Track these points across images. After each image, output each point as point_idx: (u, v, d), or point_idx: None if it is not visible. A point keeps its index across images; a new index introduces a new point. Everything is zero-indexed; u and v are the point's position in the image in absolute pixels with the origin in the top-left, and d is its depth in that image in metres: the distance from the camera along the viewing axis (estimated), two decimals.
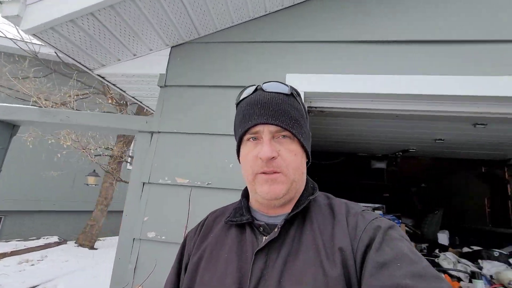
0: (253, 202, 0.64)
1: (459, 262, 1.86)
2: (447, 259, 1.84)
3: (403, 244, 0.47)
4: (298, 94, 0.63)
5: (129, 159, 5.57)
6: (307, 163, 0.63)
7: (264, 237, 0.56)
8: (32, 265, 3.94)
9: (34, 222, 5.53)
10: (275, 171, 0.54)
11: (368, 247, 0.48)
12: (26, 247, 4.44)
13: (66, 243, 5.14)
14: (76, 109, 4.86)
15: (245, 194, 0.67)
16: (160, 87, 1.44)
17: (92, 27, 1.23)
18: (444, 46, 1.27)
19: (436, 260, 1.88)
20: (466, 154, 3.01)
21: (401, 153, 3.20)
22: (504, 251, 1.97)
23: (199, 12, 1.32)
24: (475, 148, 2.58)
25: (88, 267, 4.00)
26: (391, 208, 3.27)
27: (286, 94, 0.59)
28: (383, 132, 2.32)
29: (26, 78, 4.50)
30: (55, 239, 5.11)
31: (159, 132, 1.38)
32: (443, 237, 2.46)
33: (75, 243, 5.17)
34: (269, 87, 0.59)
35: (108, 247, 5.39)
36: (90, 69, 1.47)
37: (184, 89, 1.42)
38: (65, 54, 1.31)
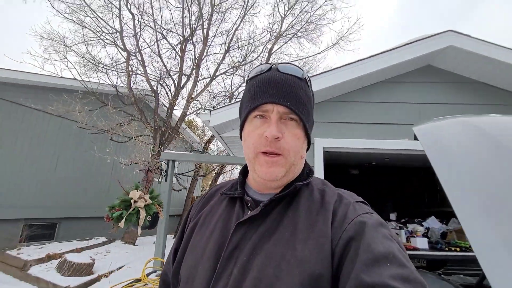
0: (250, 179, 0.67)
1: (398, 227, 3.57)
2: (391, 226, 3.54)
3: (393, 244, 0.47)
4: (310, 81, 0.64)
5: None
6: (307, 149, 0.64)
7: (249, 212, 0.59)
8: (104, 255, 5.13)
9: (83, 226, 6.64)
10: (276, 152, 0.55)
11: (352, 239, 0.48)
12: (89, 245, 5.60)
13: (114, 241, 6.30)
14: (123, 132, 6.14)
15: (243, 171, 0.70)
16: None
17: (238, 123, 2.75)
18: (390, 126, 2.94)
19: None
20: (409, 165, 4.83)
21: (367, 164, 4.95)
22: (422, 220, 3.72)
23: None
24: (410, 163, 4.37)
25: (143, 257, 5.29)
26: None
27: (300, 78, 0.60)
28: (360, 156, 4.01)
29: (82, 111, 5.71)
30: (103, 239, 6.24)
31: None
32: (393, 216, 4.20)
33: (121, 241, 6.34)
34: (284, 68, 0.59)
35: (146, 244, 6.64)
36: (219, 133, 2.96)
37: None
38: (219, 134, 2.80)
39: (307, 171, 0.66)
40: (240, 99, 0.69)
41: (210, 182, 7.30)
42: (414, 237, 3.21)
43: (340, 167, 5.34)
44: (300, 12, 8.18)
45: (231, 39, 8.24)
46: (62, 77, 6.11)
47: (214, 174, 7.46)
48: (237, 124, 2.97)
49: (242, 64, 8.40)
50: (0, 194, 5.38)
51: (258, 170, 0.57)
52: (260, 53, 8.43)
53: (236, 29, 8.19)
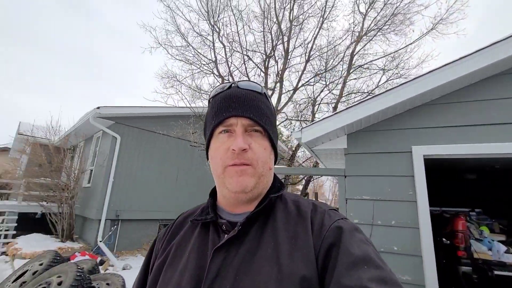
0: (220, 198, 0.64)
1: None
2: None
3: (369, 247, 0.49)
4: (268, 96, 0.66)
5: None
6: (274, 162, 0.64)
7: (226, 235, 0.56)
8: None
9: (144, 227, 7.50)
10: (245, 163, 0.55)
11: (333, 245, 0.49)
12: None
13: None
14: None
15: (212, 193, 0.68)
16: (345, 154, 3.07)
17: (328, 137, 2.95)
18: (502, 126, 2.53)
19: None
20: None
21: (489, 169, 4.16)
22: None
23: (364, 120, 2.91)
24: None
25: None
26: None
27: (259, 93, 0.62)
28: (474, 161, 3.47)
29: (194, 133, 6.95)
30: None
31: (345, 176, 2.99)
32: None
33: None
34: (243, 84, 0.62)
35: None
36: (310, 147, 3.21)
37: (358, 154, 3.00)
38: (310, 148, 3.07)
39: (278, 184, 0.65)
40: (204, 120, 0.69)
41: (301, 188, 7.54)
42: None
43: (450, 172, 4.68)
44: (384, 5, 7.61)
45: (311, 48, 8.41)
46: (178, 107, 7.68)
47: (304, 182, 7.68)
48: (327, 138, 3.15)
49: (323, 72, 8.42)
50: (143, 201, 7.17)
51: (228, 182, 0.57)
52: (342, 57, 8.25)
53: (315, 38, 8.32)
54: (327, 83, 8.62)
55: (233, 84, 0.62)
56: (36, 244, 5.78)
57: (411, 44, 7.96)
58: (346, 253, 0.47)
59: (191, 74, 8.37)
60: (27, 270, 3.42)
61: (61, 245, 5.99)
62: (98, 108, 6.28)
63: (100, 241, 6.08)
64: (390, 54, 8.11)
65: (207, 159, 0.64)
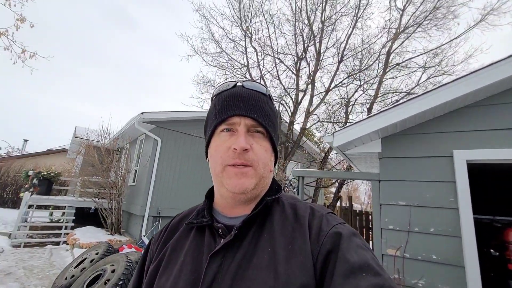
0: (217, 199, 0.63)
1: None
2: None
3: (368, 253, 0.48)
4: (272, 98, 0.66)
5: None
6: (274, 164, 0.64)
7: (222, 240, 0.55)
8: None
9: None
10: (245, 164, 0.54)
11: (330, 252, 0.48)
12: None
13: None
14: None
15: (209, 194, 0.67)
16: (379, 158, 3.01)
17: (361, 141, 2.94)
18: None
19: None
20: None
21: None
22: None
23: (400, 123, 2.83)
24: None
25: None
26: None
27: (264, 94, 0.62)
28: None
29: None
30: None
31: (379, 180, 2.93)
32: None
33: None
34: (249, 84, 0.61)
35: None
36: (342, 151, 3.21)
37: (393, 159, 2.93)
38: (342, 152, 3.08)
39: (276, 186, 0.64)
40: (206, 118, 0.67)
41: (334, 190, 7.41)
42: None
43: (506, 177, 4.28)
44: (423, 0, 7.17)
45: (344, 48, 8.23)
46: None
47: (337, 185, 7.53)
48: (359, 142, 3.11)
49: (357, 72, 8.18)
50: (181, 200, 7.63)
51: (227, 183, 0.56)
52: (378, 56, 7.94)
53: (348, 37, 8.13)
54: (362, 83, 8.35)
55: (238, 83, 0.62)
56: (91, 235, 6.50)
57: (455, 38, 7.39)
58: (343, 261, 0.46)
59: (225, 79, 8.71)
60: (85, 258, 3.92)
61: (111, 237, 6.65)
62: (142, 113, 6.87)
63: (144, 236, 6.63)
64: (431, 50, 7.61)
65: (206, 157, 0.64)
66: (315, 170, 6.01)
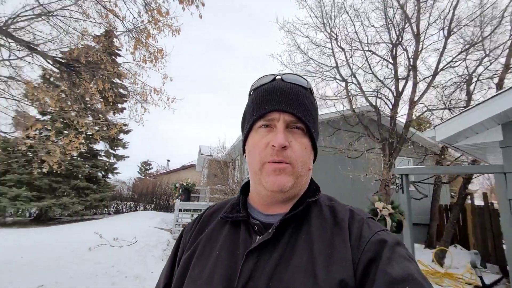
0: (253, 196, 0.62)
1: None
2: None
3: (412, 265, 0.45)
4: (313, 91, 0.62)
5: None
6: (313, 161, 0.61)
7: (258, 237, 0.54)
8: None
9: None
10: (284, 161, 0.53)
11: (372, 260, 0.46)
12: None
13: None
14: (355, 149, 7.22)
15: (244, 189, 0.66)
16: (501, 147, 2.66)
17: (473, 131, 2.73)
18: None
19: None
20: None
21: None
22: None
23: None
24: None
25: None
26: None
27: (305, 88, 0.59)
28: None
29: (325, 139, 7.42)
30: None
31: (505, 173, 2.57)
32: None
33: None
34: (289, 78, 0.59)
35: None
36: (450, 144, 3.00)
37: None
38: (450, 145, 2.91)
39: (314, 187, 0.63)
40: (243, 111, 0.65)
41: (459, 186, 6.23)
42: None
43: None
44: None
45: (451, 20, 7.03)
46: None
47: (463, 180, 6.32)
48: (471, 132, 2.82)
49: (477, 42, 6.80)
50: None
51: (265, 181, 0.55)
52: (500, 20, 6.37)
53: (455, 6, 6.91)
54: (487, 52, 6.86)
55: (277, 77, 0.60)
56: None
57: None
58: (385, 272, 0.43)
59: (314, 85, 9.01)
60: None
61: None
62: None
63: None
64: None
65: (243, 152, 0.63)
66: (421, 167, 5.27)
